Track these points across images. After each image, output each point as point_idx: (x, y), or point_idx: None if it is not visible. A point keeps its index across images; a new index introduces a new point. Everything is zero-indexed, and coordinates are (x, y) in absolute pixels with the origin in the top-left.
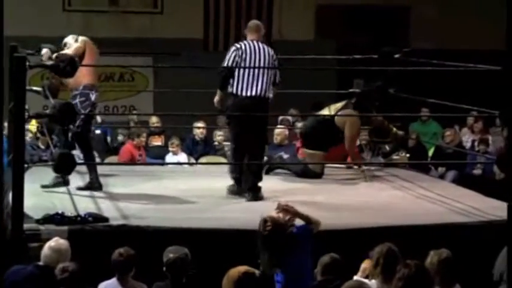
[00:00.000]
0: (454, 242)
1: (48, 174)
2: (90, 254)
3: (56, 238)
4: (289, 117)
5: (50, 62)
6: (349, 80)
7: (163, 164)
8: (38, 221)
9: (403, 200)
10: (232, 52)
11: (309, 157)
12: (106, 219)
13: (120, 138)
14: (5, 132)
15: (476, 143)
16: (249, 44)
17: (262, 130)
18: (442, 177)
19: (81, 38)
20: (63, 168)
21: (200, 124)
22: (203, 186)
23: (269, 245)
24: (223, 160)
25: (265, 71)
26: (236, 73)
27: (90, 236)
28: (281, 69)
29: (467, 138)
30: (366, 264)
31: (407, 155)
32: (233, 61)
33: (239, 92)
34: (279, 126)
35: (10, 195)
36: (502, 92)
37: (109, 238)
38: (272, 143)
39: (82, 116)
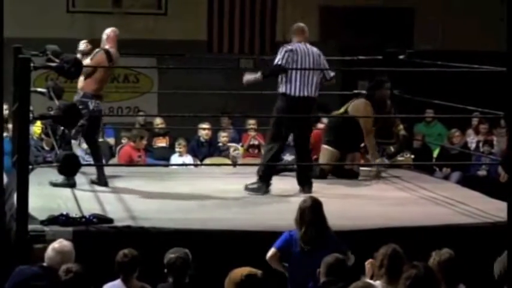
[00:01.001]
0: (458, 243)
1: (53, 176)
2: (94, 255)
3: (59, 240)
4: None
5: (54, 63)
6: (353, 81)
7: (168, 165)
8: (42, 222)
9: (408, 201)
10: (285, 53)
11: (323, 154)
12: (111, 221)
13: (124, 141)
14: (9, 133)
15: (481, 144)
16: (300, 46)
17: (310, 129)
18: (446, 178)
19: (99, 52)
20: (68, 170)
21: (205, 125)
22: (208, 188)
23: None
24: (227, 161)
25: (316, 72)
26: (289, 74)
27: (95, 237)
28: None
29: (471, 140)
30: (369, 265)
31: (412, 156)
32: (286, 62)
33: (292, 93)
34: None
35: (15, 196)
36: (506, 93)
37: (113, 239)
38: None
39: (80, 123)
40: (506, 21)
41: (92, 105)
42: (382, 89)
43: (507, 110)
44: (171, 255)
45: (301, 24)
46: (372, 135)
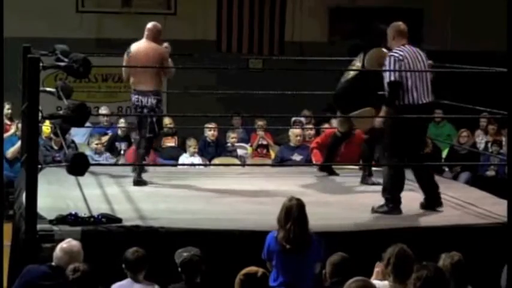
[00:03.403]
0: (467, 243)
1: (62, 175)
2: (103, 255)
3: (68, 239)
4: (303, 119)
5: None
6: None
7: (177, 165)
8: (51, 222)
9: (416, 202)
10: (395, 63)
11: (359, 122)
12: (119, 220)
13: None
14: (19, 132)
15: (489, 145)
16: (407, 51)
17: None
18: (455, 178)
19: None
20: (77, 169)
21: (210, 126)
22: (216, 188)
23: None
24: (236, 162)
25: (428, 74)
26: (405, 84)
27: (104, 236)
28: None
29: (480, 140)
30: (378, 268)
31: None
32: (399, 75)
33: (415, 101)
34: (292, 127)
35: (24, 196)
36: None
37: (122, 239)
38: (286, 144)
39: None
40: (506, 21)
41: (132, 98)
42: None
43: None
44: (184, 254)
45: (402, 24)
46: None
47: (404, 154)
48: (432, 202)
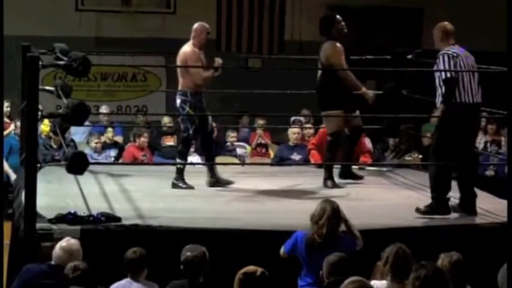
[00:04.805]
0: (466, 243)
1: (61, 174)
2: (102, 254)
3: (67, 238)
4: (302, 118)
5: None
6: (361, 81)
7: (176, 164)
8: (50, 221)
9: (416, 201)
10: (450, 60)
11: (328, 121)
12: (118, 219)
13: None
14: (17, 131)
15: (489, 144)
16: (459, 50)
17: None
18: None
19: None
20: (76, 168)
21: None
22: (215, 187)
23: None
24: (235, 161)
25: (477, 74)
26: (462, 79)
27: (103, 235)
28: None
29: (479, 140)
30: (377, 268)
31: (420, 156)
32: (455, 68)
33: (470, 99)
34: (292, 126)
35: (23, 194)
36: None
37: (121, 238)
38: (285, 143)
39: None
40: (507, 21)
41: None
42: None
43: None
44: (188, 253)
45: (448, 24)
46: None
47: (454, 153)
48: (468, 206)
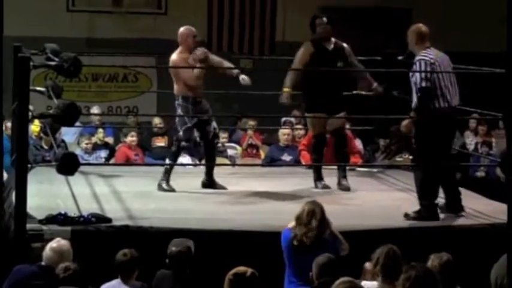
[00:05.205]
0: (456, 244)
1: (52, 175)
2: (93, 255)
3: (57, 239)
4: (292, 119)
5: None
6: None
7: (167, 164)
8: (41, 221)
9: (406, 202)
10: (426, 67)
11: (309, 123)
12: (109, 220)
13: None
14: (8, 132)
15: (479, 146)
16: (435, 54)
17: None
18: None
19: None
20: (67, 169)
21: None
22: (206, 188)
23: None
24: (226, 162)
25: (453, 76)
26: (439, 85)
27: (93, 236)
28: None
29: (470, 141)
30: (366, 269)
31: (411, 157)
32: (431, 81)
33: (447, 104)
34: (283, 127)
35: (13, 195)
36: (505, 94)
37: (112, 239)
38: (276, 144)
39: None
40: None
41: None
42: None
43: (507, 111)
44: (173, 247)
45: (423, 26)
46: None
47: (439, 156)
48: (454, 206)
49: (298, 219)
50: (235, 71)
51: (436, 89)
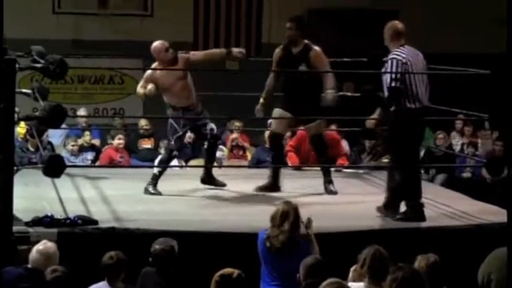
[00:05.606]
0: (442, 245)
1: (38, 177)
2: (79, 257)
3: (44, 241)
4: None
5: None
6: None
7: (153, 166)
8: (27, 224)
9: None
10: (398, 67)
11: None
12: (95, 222)
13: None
14: None
15: (465, 147)
16: (408, 53)
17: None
18: (431, 180)
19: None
20: (53, 171)
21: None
22: (193, 189)
23: None
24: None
25: (425, 77)
26: (410, 85)
27: (80, 238)
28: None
29: (456, 142)
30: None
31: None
32: (401, 81)
33: (418, 104)
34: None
35: None
36: (491, 95)
37: (98, 241)
38: (262, 145)
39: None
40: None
41: None
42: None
43: (492, 113)
44: (156, 246)
45: (399, 23)
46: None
47: (413, 156)
48: (392, 206)
49: (272, 220)
50: (223, 50)
51: (407, 89)
